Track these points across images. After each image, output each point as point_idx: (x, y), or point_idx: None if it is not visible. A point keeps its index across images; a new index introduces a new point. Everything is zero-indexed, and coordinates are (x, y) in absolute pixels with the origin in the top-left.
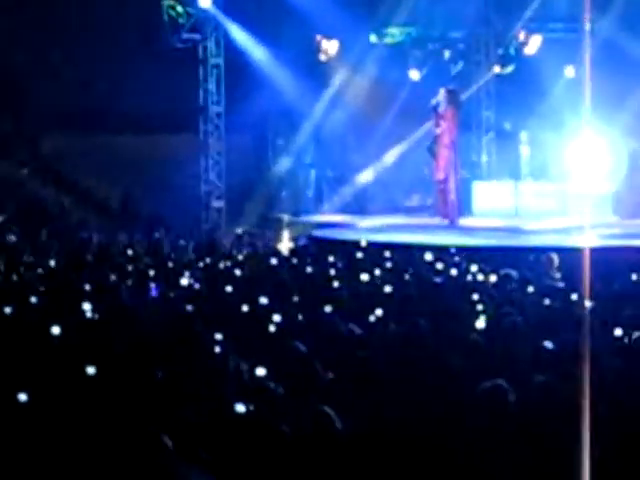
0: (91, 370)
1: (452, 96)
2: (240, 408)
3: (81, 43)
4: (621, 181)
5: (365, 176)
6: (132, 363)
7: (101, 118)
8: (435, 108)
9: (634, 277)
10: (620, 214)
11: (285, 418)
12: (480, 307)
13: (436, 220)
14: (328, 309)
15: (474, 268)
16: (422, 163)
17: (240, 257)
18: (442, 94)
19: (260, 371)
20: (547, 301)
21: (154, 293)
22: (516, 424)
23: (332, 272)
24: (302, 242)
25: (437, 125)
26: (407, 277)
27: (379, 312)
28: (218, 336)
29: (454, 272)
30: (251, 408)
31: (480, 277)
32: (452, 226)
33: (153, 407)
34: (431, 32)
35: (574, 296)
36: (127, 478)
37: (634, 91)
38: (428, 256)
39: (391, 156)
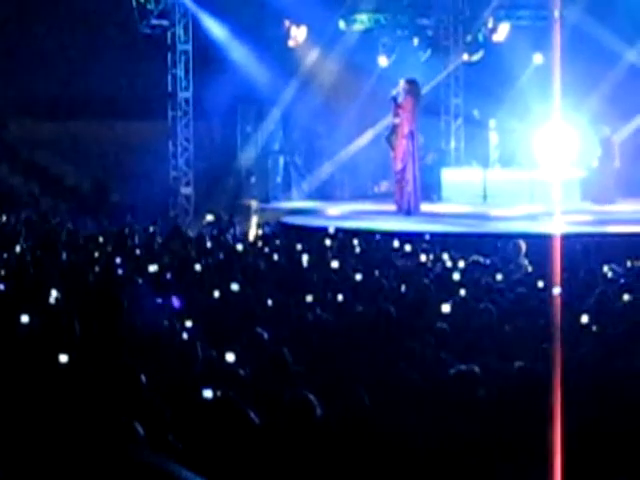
0: (63, 358)
1: (412, 86)
2: (207, 394)
3: (49, 29)
4: (595, 167)
5: (334, 162)
6: (100, 350)
7: (69, 104)
8: (395, 99)
9: (601, 263)
10: (595, 200)
11: (253, 404)
12: (448, 293)
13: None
14: (297, 295)
15: (442, 254)
16: (390, 149)
17: (208, 244)
18: (402, 85)
19: (229, 357)
20: (515, 288)
21: (176, 305)
22: (486, 409)
23: (300, 258)
24: (270, 229)
25: (395, 115)
26: (375, 263)
27: (347, 298)
28: (188, 324)
29: (423, 258)
30: (218, 394)
31: (449, 263)
32: (408, 216)
33: (122, 394)
34: (400, 19)
35: (541, 283)
36: (98, 466)
37: (602, 78)
38: (396, 243)
39: (359, 142)
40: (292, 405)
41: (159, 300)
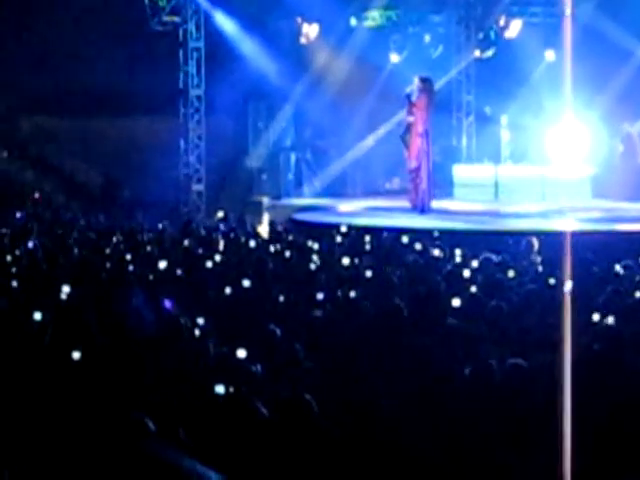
0: (76, 355)
1: (426, 84)
2: (219, 389)
3: (60, 25)
4: (617, 165)
5: (345, 159)
6: (113, 347)
7: (81, 101)
8: (409, 97)
9: (613, 261)
10: (618, 197)
11: (264, 400)
12: (459, 290)
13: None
14: (308, 292)
15: (454, 251)
16: (402, 146)
17: (220, 240)
18: (416, 82)
19: (241, 353)
20: (527, 285)
21: (168, 306)
22: (498, 406)
23: (312, 255)
24: (282, 225)
25: (410, 113)
26: (386, 260)
27: (359, 295)
28: (200, 320)
29: (435, 255)
30: (230, 390)
31: (459, 259)
32: (422, 214)
33: (133, 389)
34: (411, 15)
35: (553, 280)
36: (110, 461)
37: (614, 75)
38: (406, 239)
39: (371, 139)
40: (291, 405)
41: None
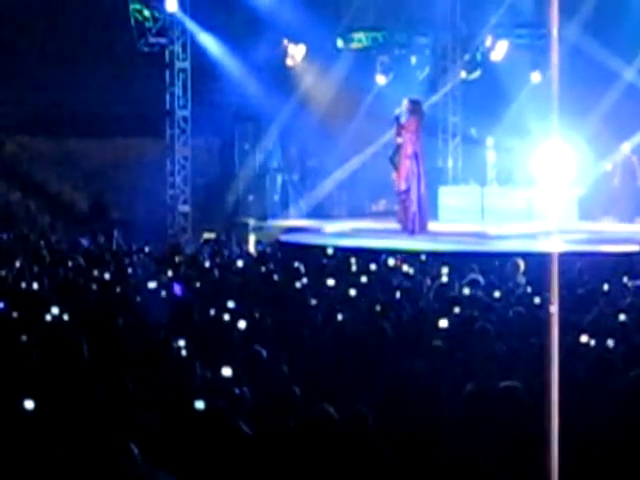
0: (59, 376)
1: (415, 107)
2: (199, 405)
3: (47, 46)
4: (615, 185)
5: (331, 181)
6: (99, 368)
7: (67, 122)
8: (397, 118)
9: (599, 283)
10: (617, 218)
11: (250, 421)
12: (445, 312)
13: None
14: (294, 313)
15: (440, 273)
16: (388, 168)
17: (205, 262)
18: (405, 104)
19: (226, 371)
20: (513, 306)
21: (178, 292)
22: (489, 429)
23: (298, 276)
24: (268, 247)
25: (398, 135)
26: (372, 282)
27: (345, 316)
28: (181, 342)
29: (420, 277)
30: (210, 406)
31: (445, 279)
32: (412, 236)
33: (117, 413)
34: (398, 37)
35: (538, 300)
36: None
37: (600, 97)
38: (392, 261)
39: (357, 160)
40: (313, 418)
41: (161, 290)
